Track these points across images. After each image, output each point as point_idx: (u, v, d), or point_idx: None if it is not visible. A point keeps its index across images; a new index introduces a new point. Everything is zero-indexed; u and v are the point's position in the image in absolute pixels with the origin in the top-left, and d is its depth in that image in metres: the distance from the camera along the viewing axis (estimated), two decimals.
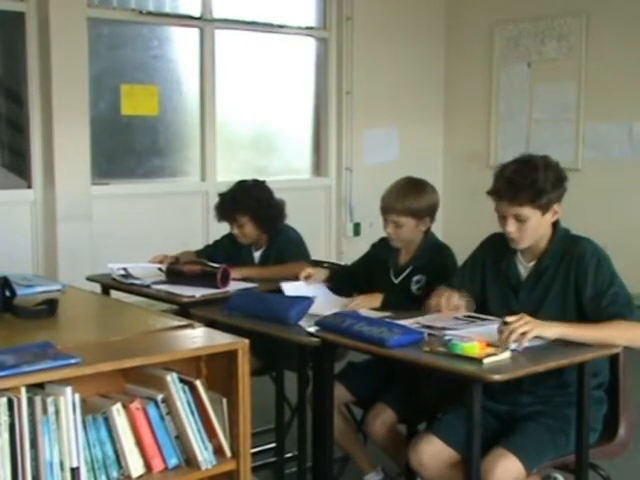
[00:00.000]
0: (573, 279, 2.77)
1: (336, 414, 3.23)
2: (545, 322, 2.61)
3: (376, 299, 3.22)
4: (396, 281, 3.37)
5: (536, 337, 2.56)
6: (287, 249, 3.91)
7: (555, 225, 2.85)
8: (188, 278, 3.62)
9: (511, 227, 2.79)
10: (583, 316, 2.74)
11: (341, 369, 3.39)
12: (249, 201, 3.90)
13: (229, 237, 4.09)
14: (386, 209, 3.31)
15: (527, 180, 2.74)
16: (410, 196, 3.29)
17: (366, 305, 3.18)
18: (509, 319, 2.57)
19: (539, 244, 2.85)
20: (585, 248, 2.78)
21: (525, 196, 2.74)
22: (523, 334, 2.52)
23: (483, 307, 2.96)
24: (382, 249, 3.48)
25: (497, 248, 2.94)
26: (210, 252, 4.12)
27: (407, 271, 3.35)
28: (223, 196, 4.01)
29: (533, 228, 2.78)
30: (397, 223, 3.28)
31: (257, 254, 4.02)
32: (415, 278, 3.31)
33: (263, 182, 4.10)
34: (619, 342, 2.65)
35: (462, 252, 3.23)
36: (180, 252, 4.09)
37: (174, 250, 4.16)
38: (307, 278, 3.49)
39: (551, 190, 2.75)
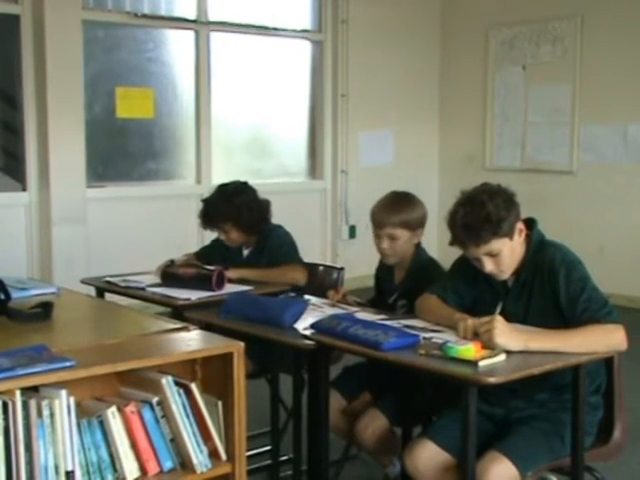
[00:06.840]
0: (548, 289, 2.76)
1: (340, 417, 3.23)
2: (517, 329, 2.59)
3: None
4: (389, 301, 3.36)
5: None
6: (279, 251, 3.89)
7: (529, 237, 2.82)
8: (183, 281, 3.61)
9: (489, 266, 2.76)
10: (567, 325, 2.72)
11: (336, 375, 3.37)
12: (229, 209, 3.85)
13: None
14: (381, 223, 3.28)
15: (480, 218, 2.70)
16: (403, 208, 3.29)
17: None
18: (483, 319, 2.59)
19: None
20: (553, 257, 2.76)
21: (486, 233, 2.70)
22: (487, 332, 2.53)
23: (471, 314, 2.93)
24: (381, 269, 3.50)
25: None
26: (207, 253, 4.12)
27: (395, 295, 3.35)
28: (205, 204, 3.97)
29: (509, 255, 2.76)
30: (392, 236, 3.26)
31: (246, 252, 4.01)
32: (400, 303, 3.30)
33: (244, 184, 4.02)
34: (596, 348, 2.62)
35: (457, 255, 3.22)
36: (181, 255, 4.08)
37: (170, 252, 4.16)
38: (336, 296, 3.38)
39: (507, 214, 2.72)
